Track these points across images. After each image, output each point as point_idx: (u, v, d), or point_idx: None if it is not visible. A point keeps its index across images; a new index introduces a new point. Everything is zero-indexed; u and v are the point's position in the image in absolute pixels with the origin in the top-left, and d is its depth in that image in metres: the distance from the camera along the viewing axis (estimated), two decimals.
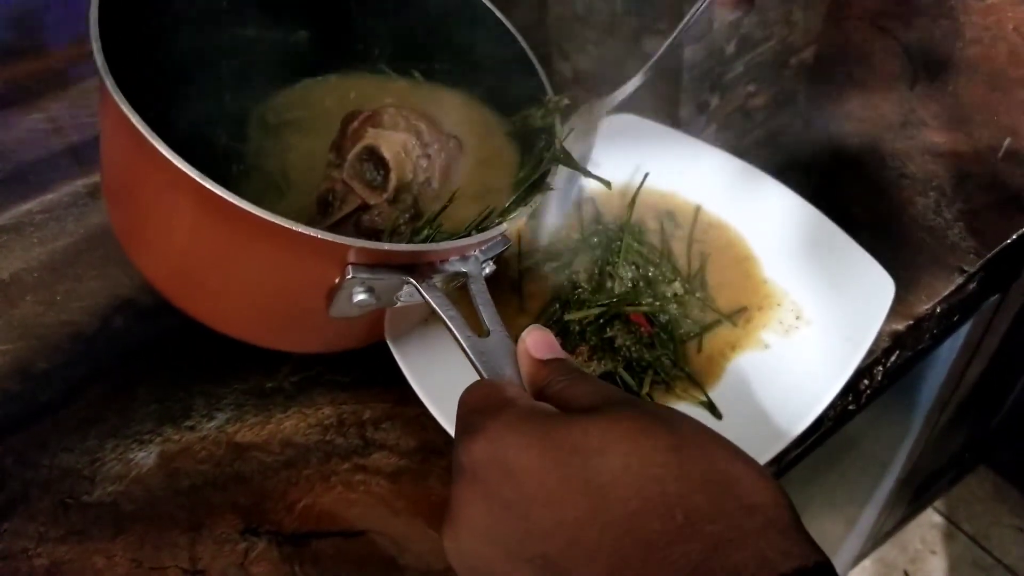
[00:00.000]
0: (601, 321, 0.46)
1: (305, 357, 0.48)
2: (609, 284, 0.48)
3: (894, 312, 0.47)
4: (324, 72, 0.50)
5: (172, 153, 0.32)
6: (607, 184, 0.47)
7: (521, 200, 0.42)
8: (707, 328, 0.47)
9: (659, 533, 0.25)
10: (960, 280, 0.52)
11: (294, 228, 0.33)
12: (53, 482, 0.43)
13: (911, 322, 0.49)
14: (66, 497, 0.43)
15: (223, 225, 0.35)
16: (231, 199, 0.32)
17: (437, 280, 0.37)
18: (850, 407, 0.48)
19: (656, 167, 0.55)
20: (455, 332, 0.35)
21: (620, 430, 0.26)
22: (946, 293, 0.51)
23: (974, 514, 1.33)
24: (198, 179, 0.32)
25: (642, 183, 0.53)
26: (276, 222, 0.32)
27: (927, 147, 0.61)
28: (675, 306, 0.47)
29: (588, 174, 0.46)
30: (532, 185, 0.43)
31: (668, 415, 0.28)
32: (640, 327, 0.46)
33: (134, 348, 0.49)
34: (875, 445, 0.91)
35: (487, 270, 0.39)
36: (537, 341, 0.33)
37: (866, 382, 0.48)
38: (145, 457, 0.44)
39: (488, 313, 0.36)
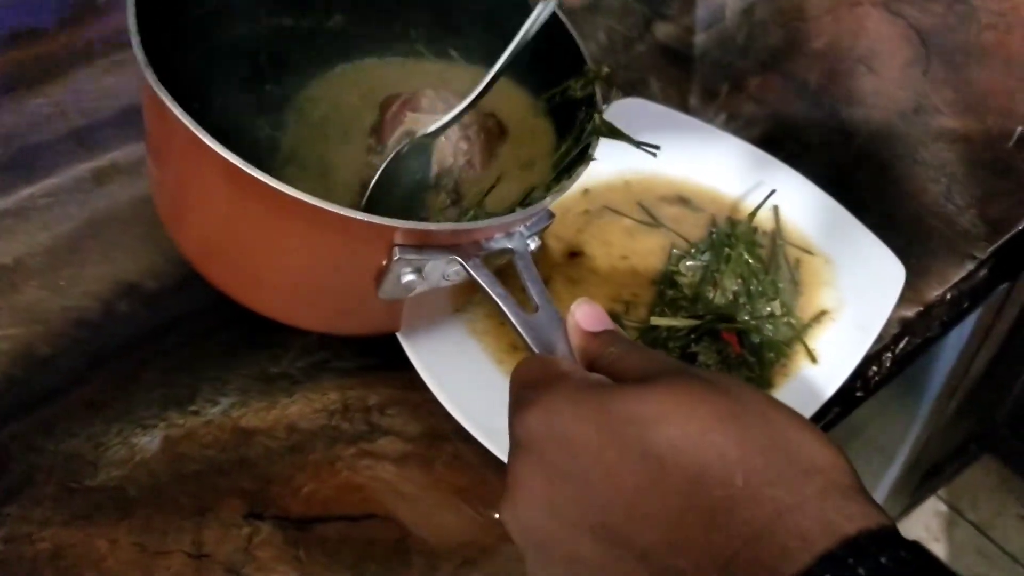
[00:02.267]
0: (692, 336, 0.44)
1: (310, 342, 0.48)
2: (710, 293, 0.46)
3: (904, 298, 0.47)
4: (360, 56, 0.50)
5: (216, 143, 0.32)
6: (654, 152, 0.44)
7: (564, 174, 0.42)
8: (787, 351, 0.44)
9: (720, 499, 0.24)
10: (971, 267, 0.51)
11: (340, 212, 0.33)
12: (57, 467, 0.43)
13: (921, 308, 0.49)
14: (70, 482, 0.43)
15: (270, 212, 0.35)
16: (277, 186, 0.32)
17: (483, 258, 0.37)
18: (858, 394, 0.48)
19: (665, 152, 0.54)
20: (504, 309, 0.35)
21: (677, 398, 0.26)
22: (956, 280, 0.50)
23: (979, 503, 1.32)
24: (243, 167, 0.32)
25: (763, 202, 0.50)
26: (323, 207, 0.33)
27: (940, 133, 0.60)
28: (770, 326, 0.45)
29: (635, 143, 0.45)
30: (574, 159, 0.42)
31: (725, 382, 0.27)
32: (730, 346, 0.44)
33: (138, 334, 0.49)
34: (881, 433, 0.90)
35: (532, 246, 0.39)
36: (587, 314, 0.33)
37: (874, 368, 0.48)
38: (149, 442, 0.44)
39: (536, 289, 0.36)
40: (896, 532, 0.24)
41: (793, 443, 0.25)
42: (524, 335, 0.34)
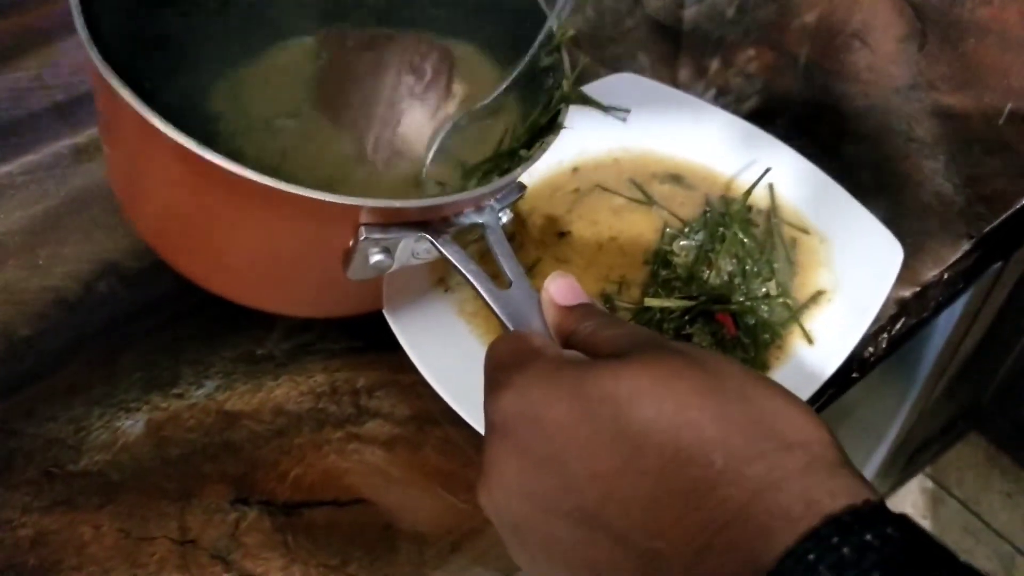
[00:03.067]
0: (687, 317, 0.43)
1: (296, 324, 0.47)
2: (705, 274, 0.45)
3: (899, 278, 0.46)
4: (309, 32, 0.48)
5: (176, 130, 0.31)
6: (623, 117, 0.43)
7: (533, 143, 0.41)
8: (783, 333, 0.44)
9: (698, 480, 0.24)
10: (967, 246, 0.51)
11: (301, 193, 0.32)
12: (37, 451, 0.42)
13: (918, 289, 0.48)
14: (51, 466, 0.42)
15: (230, 198, 0.34)
16: (235, 169, 0.31)
17: (454, 234, 0.36)
18: (853, 375, 0.47)
19: (657, 128, 0.53)
20: (477, 286, 0.34)
21: (652, 375, 0.25)
22: (953, 260, 0.50)
23: (965, 480, 1.33)
24: (201, 152, 0.31)
25: (759, 180, 0.49)
26: (281, 188, 0.31)
27: (936, 110, 0.59)
28: (766, 307, 0.44)
29: (604, 108, 0.43)
30: (543, 128, 0.41)
31: (702, 356, 0.26)
32: (725, 327, 0.43)
33: (119, 314, 0.48)
34: (871, 414, 0.91)
35: (504, 219, 0.38)
36: (561, 288, 0.32)
37: (871, 350, 0.47)
38: (132, 425, 0.43)
39: (509, 264, 0.35)
40: (883, 507, 0.23)
41: (773, 418, 0.25)
42: (498, 312, 0.33)
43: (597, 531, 0.25)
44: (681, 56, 0.64)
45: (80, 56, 0.61)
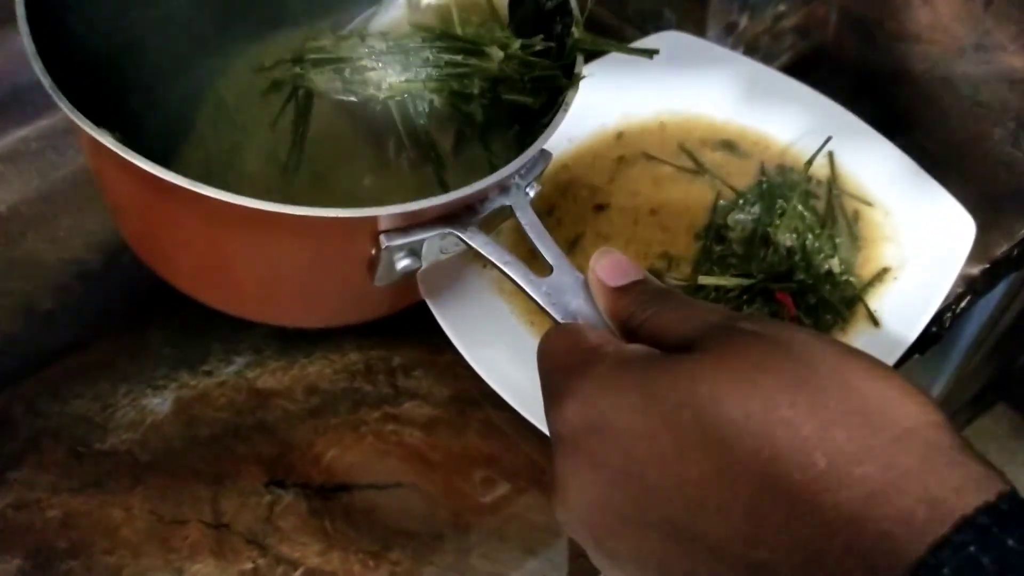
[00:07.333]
0: (743, 296, 0.41)
1: None
2: (762, 251, 0.42)
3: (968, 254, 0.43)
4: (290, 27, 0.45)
5: (171, 173, 0.30)
6: (651, 55, 0.39)
7: (552, 105, 0.37)
8: (846, 313, 0.41)
9: (801, 484, 0.21)
10: None
11: (314, 214, 0.30)
12: (64, 430, 0.41)
13: (987, 266, 0.46)
14: (79, 446, 0.40)
15: (237, 229, 0.33)
16: (238, 201, 0.30)
17: (480, 223, 0.33)
18: (915, 355, 0.45)
19: (707, 91, 0.50)
20: (515, 278, 0.31)
21: (732, 370, 0.23)
22: None
23: (990, 451, 1.30)
24: (197, 189, 0.30)
25: (820, 148, 0.47)
26: (294, 213, 0.30)
27: (1003, 73, 0.56)
28: (828, 286, 0.41)
29: (628, 50, 0.40)
30: (560, 86, 0.38)
31: (785, 338, 0.24)
32: (784, 307, 0.40)
33: (144, 288, 0.46)
34: None
35: (531, 194, 0.35)
36: (607, 267, 0.29)
37: (934, 329, 0.45)
38: (160, 404, 0.42)
39: (545, 245, 0.32)
40: (1018, 500, 0.20)
41: (877, 404, 0.22)
42: (543, 304, 0.30)
43: (691, 543, 0.23)
44: (709, 15, 0.60)
45: None
